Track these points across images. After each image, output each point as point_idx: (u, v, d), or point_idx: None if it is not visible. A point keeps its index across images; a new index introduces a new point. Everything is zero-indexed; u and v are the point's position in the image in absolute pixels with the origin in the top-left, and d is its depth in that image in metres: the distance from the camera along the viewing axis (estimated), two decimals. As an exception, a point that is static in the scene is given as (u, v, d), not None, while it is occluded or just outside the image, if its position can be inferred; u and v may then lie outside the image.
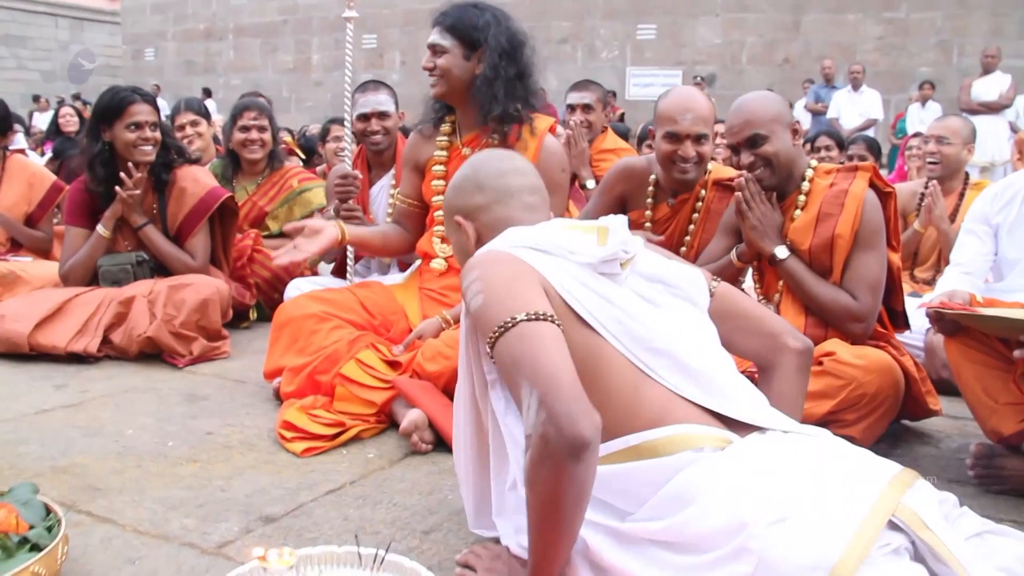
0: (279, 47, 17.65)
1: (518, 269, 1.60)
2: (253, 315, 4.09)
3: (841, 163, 4.49)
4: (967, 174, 4.44)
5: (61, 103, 11.34)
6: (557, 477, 1.37)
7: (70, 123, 8.34)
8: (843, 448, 1.60)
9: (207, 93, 16.42)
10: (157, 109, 3.57)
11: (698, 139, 3.13)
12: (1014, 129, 9.52)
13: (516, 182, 1.86)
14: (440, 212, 2.96)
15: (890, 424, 2.61)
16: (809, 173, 2.75)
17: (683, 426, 1.57)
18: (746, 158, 2.71)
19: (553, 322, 1.50)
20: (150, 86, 17.22)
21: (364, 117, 3.87)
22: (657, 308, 1.70)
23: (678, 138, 3.12)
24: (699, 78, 13.07)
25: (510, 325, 1.48)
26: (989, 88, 10.04)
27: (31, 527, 1.66)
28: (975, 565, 1.39)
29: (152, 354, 3.39)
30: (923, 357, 3.22)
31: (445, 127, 3.00)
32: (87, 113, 9.76)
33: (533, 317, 1.49)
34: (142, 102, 3.47)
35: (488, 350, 1.55)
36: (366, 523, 1.98)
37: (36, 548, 1.59)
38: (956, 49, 12.27)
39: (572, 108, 4.65)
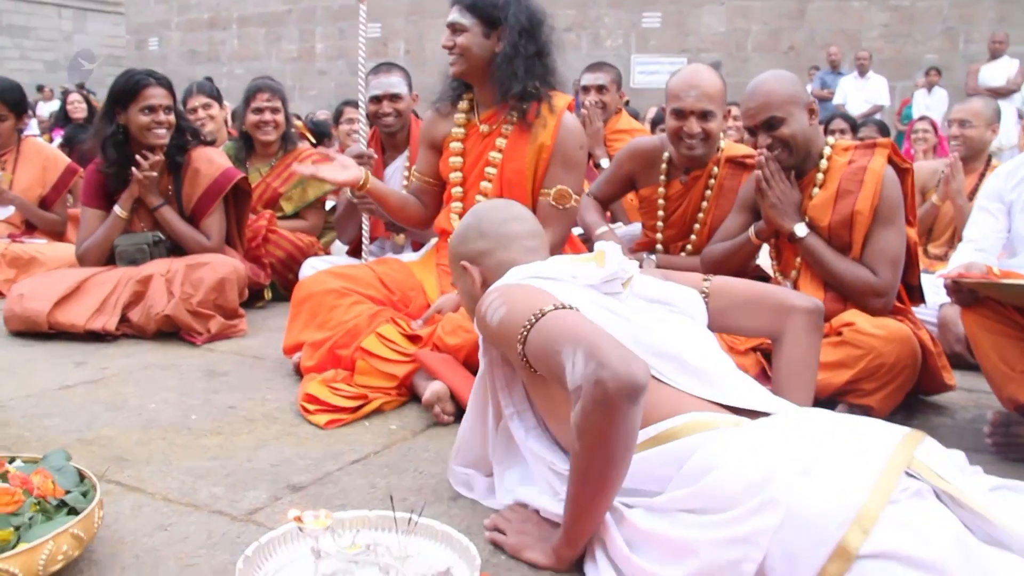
0: (283, 36, 17.61)
1: (529, 289, 1.71)
2: (268, 295, 4.11)
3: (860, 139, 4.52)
4: (990, 156, 4.46)
5: (67, 92, 11.34)
6: (611, 421, 1.44)
7: (78, 110, 8.36)
8: (852, 417, 1.71)
9: (210, 82, 16.42)
10: (173, 93, 3.59)
11: (703, 115, 3.16)
12: (1022, 115, 9.50)
13: (516, 228, 1.97)
14: (457, 189, 2.98)
15: (906, 397, 2.62)
16: (827, 151, 2.77)
17: (697, 413, 1.66)
18: (763, 140, 2.72)
19: (575, 309, 1.60)
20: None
21: (376, 99, 3.88)
22: (660, 320, 1.82)
23: (683, 115, 3.16)
24: (704, 66, 13.04)
25: (540, 316, 1.58)
26: (997, 73, 10.03)
27: (67, 492, 1.68)
28: (994, 509, 1.43)
29: (169, 332, 3.41)
30: (936, 332, 3.23)
31: (463, 105, 3.01)
32: (95, 101, 9.80)
33: (560, 306, 1.60)
34: (157, 85, 3.49)
35: (520, 349, 1.62)
36: (393, 491, 1.99)
37: (73, 512, 1.61)
38: (962, 36, 12.23)
39: (587, 89, 4.70)
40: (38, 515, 1.57)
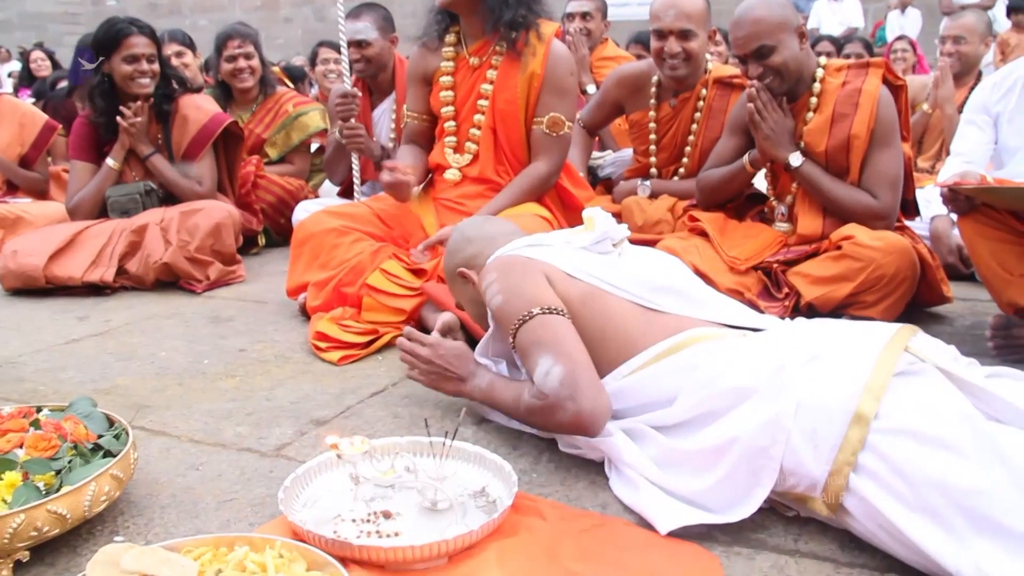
0: (245, -16, 17.24)
1: (525, 269, 1.83)
2: (262, 241, 4.11)
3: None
4: (980, 70, 4.47)
5: (25, 53, 11.04)
6: (559, 428, 1.74)
7: (42, 68, 8.21)
8: (846, 321, 1.85)
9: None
10: (156, 41, 3.53)
11: (683, 35, 3.17)
12: (995, 32, 9.49)
13: (498, 227, 2.11)
14: (450, 123, 2.96)
15: (905, 308, 2.67)
16: (819, 73, 2.74)
17: (702, 328, 1.76)
18: (754, 70, 2.69)
19: (563, 315, 1.75)
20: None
21: (347, 44, 3.80)
22: (649, 260, 1.99)
23: (663, 35, 3.17)
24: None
25: (528, 318, 1.74)
26: (970, -12, 9.98)
27: (99, 436, 1.69)
28: (994, 386, 1.51)
29: (168, 282, 3.41)
30: (930, 244, 3.28)
31: (450, 38, 2.98)
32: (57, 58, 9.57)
33: (547, 311, 1.74)
34: (139, 34, 3.43)
35: (511, 340, 1.79)
36: (417, 419, 2.03)
37: (109, 454, 1.63)
38: (933, -47, 12.14)
39: (571, 16, 4.69)
40: (76, 459, 1.58)
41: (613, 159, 4.03)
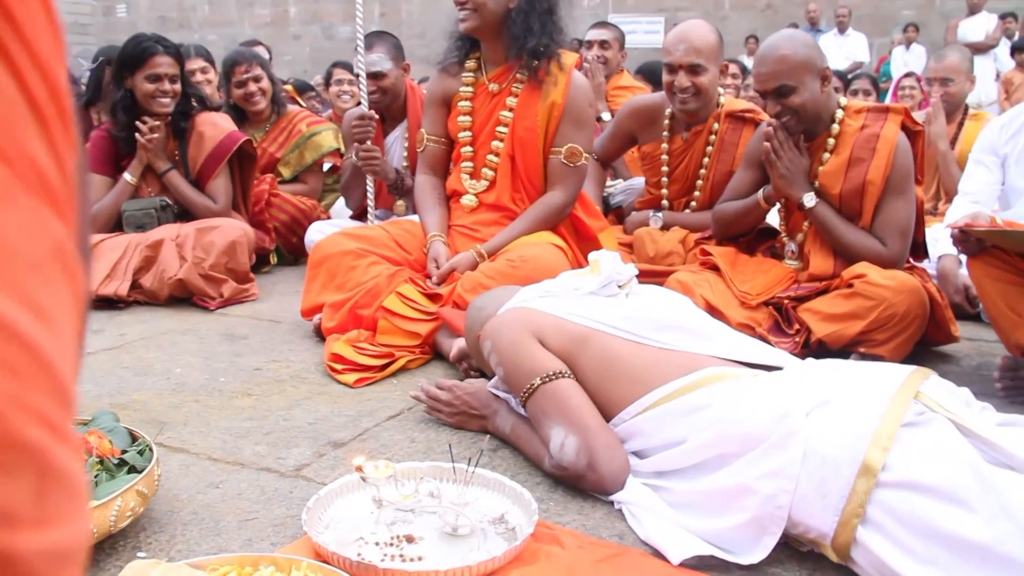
0: (255, 1, 17.38)
1: (515, 335, 1.87)
2: (273, 259, 4.14)
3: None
4: (967, 106, 4.53)
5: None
6: (586, 487, 1.76)
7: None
8: (861, 363, 1.88)
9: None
10: (180, 61, 3.59)
11: (693, 69, 3.22)
12: (999, 71, 9.60)
13: (506, 293, 2.16)
14: (467, 148, 3.00)
15: (913, 347, 2.70)
16: (839, 114, 2.76)
17: (711, 369, 1.76)
18: (772, 107, 2.72)
19: (564, 375, 1.79)
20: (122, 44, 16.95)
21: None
22: (654, 298, 2.02)
23: (674, 69, 3.21)
24: (682, 24, 13.04)
25: (532, 390, 1.80)
26: (975, 28, 10.12)
27: (123, 451, 1.72)
28: (1003, 438, 1.51)
29: (181, 298, 3.43)
30: (936, 283, 3.31)
31: (470, 63, 3.02)
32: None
33: (547, 378, 1.79)
34: (164, 54, 3.50)
35: (522, 406, 1.88)
36: (433, 444, 2.05)
37: (134, 470, 1.65)
38: (939, -9, 12.28)
39: (590, 44, 4.78)
40: (103, 473, 1.61)
41: (624, 187, 4.08)
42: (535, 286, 2.07)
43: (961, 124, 4.46)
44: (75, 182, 0.37)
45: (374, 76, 3.73)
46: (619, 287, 1.98)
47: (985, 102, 9.30)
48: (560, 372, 1.80)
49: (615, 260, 2.00)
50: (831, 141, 2.76)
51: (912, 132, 2.73)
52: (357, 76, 3.62)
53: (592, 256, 2.03)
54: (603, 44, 4.78)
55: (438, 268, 2.81)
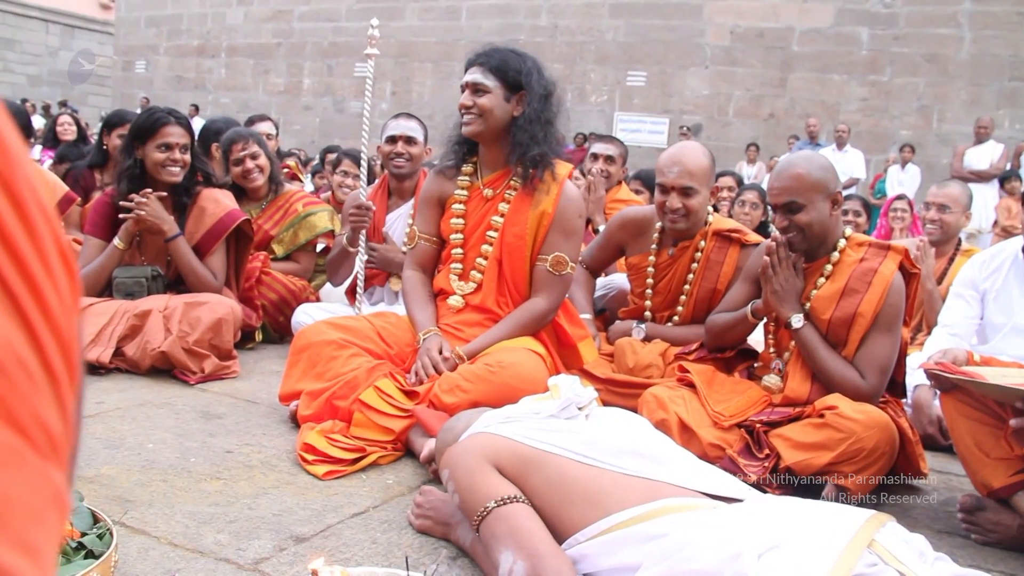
0: (271, 69, 17.75)
1: (470, 462, 1.89)
2: (259, 336, 4.16)
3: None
4: (960, 239, 4.62)
5: (48, 109, 11.30)
6: None
7: (68, 132, 8.39)
8: (820, 503, 1.87)
9: (195, 109, 16.47)
10: (191, 132, 3.69)
11: (685, 192, 3.31)
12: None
13: (471, 416, 2.19)
14: (457, 251, 3.06)
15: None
16: (841, 243, 2.84)
17: (671, 499, 1.77)
18: (780, 221, 2.80)
19: (518, 500, 1.80)
20: (139, 99, 17.26)
21: (392, 139, 3.97)
22: (613, 423, 2.07)
23: (666, 190, 3.31)
24: (685, 128, 13.34)
25: (485, 513, 1.81)
26: (981, 157, 10.36)
27: (83, 534, 1.72)
28: None
29: (162, 369, 3.45)
30: (910, 413, 3.35)
31: (467, 167, 3.10)
32: (83, 121, 9.81)
33: (500, 503, 1.80)
34: (176, 124, 3.60)
35: (475, 532, 1.87)
36: (394, 547, 2.06)
37: (91, 554, 1.66)
38: (936, 115, 12.61)
39: (596, 157, 4.93)
40: (59, 557, 1.61)
41: (605, 283, 4.12)
42: (496, 412, 2.10)
43: (952, 259, 4.53)
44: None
45: (408, 140, 3.95)
46: (579, 408, 2.01)
47: (986, 229, 9.48)
48: (513, 497, 1.81)
49: (574, 384, 2.05)
50: (829, 267, 2.83)
51: (909, 273, 2.80)
52: (359, 163, 3.73)
53: (551, 381, 2.11)
54: (608, 159, 4.93)
55: (442, 356, 2.83)
